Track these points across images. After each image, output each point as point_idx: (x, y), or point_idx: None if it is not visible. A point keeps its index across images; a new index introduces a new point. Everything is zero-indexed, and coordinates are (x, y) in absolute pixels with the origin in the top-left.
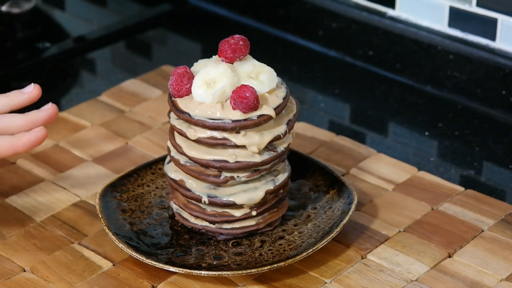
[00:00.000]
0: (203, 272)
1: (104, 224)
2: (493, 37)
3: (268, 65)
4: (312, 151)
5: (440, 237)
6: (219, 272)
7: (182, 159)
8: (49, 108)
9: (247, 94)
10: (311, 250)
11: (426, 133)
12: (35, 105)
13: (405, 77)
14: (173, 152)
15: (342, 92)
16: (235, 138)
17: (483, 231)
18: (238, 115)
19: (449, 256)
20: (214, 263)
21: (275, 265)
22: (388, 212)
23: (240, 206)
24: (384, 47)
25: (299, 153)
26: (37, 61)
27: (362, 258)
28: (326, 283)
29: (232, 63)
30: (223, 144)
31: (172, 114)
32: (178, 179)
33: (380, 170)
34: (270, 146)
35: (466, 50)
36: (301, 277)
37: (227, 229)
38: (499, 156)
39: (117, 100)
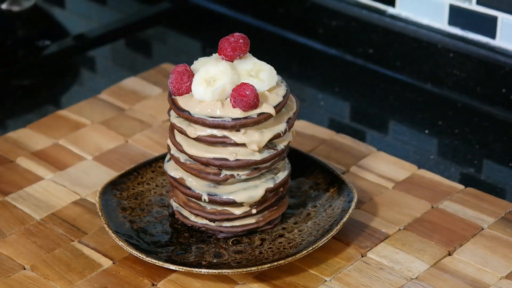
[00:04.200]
0: (203, 270)
1: (104, 222)
2: (493, 35)
3: (268, 63)
4: (312, 149)
5: (440, 235)
6: (219, 270)
7: (182, 157)
8: None
9: (247, 92)
10: (311, 248)
11: (426, 131)
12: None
13: (405, 75)
14: (173, 150)
15: (342, 90)
16: (235, 136)
17: (483, 229)
18: (238, 113)
19: (449, 254)
20: (214, 261)
21: (275, 263)
22: (388, 210)
23: (240, 204)
24: (384, 45)
25: (299, 151)
26: (37, 59)
27: (362, 256)
28: (326, 281)
29: (232, 61)
30: (223, 142)
31: (172, 112)
32: (178, 177)
33: (380, 168)
34: (270, 144)
35: (466, 48)
36: (301, 275)
37: (227, 227)
38: (499, 154)
39: (117, 98)
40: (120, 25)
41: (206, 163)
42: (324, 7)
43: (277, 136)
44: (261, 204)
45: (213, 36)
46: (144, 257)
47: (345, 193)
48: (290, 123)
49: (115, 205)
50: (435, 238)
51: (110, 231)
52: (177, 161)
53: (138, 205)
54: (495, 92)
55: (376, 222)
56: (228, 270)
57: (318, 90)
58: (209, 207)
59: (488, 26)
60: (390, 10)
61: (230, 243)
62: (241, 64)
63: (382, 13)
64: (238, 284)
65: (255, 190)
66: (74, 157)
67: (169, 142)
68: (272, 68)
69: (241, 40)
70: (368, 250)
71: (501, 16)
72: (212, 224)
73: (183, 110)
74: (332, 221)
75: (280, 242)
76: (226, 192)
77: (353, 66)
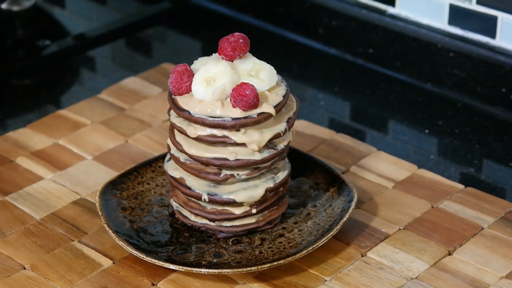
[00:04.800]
0: (203, 270)
1: (104, 222)
2: (493, 35)
3: (268, 63)
4: (312, 149)
5: (440, 235)
6: (219, 270)
7: (182, 157)
8: None
9: (247, 92)
10: (311, 248)
11: (426, 131)
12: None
13: (405, 75)
14: (173, 150)
15: (342, 90)
16: (235, 136)
17: (483, 228)
18: (238, 113)
19: (449, 254)
20: (214, 261)
21: (275, 263)
22: (388, 210)
23: (240, 204)
24: (384, 45)
25: (299, 151)
26: (37, 59)
27: (362, 256)
28: (326, 280)
29: (232, 61)
30: (223, 142)
31: (172, 112)
32: (178, 177)
33: (380, 168)
34: (270, 144)
35: (466, 48)
36: (301, 275)
37: (227, 227)
38: (499, 153)
39: (117, 98)
40: (120, 25)
41: (206, 163)
42: (324, 7)
43: (277, 136)
44: (261, 203)
45: (213, 36)
46: (144, 256)
47: (345, 193)
48: (290, 123)
49: (115, 205)
50: (435, 238)
51: (110, 231)
52: (177, 160)
53: (138, 205)
54: (495, 92)
55: (376, 222)
56: (228, 270)
57: (318, 89)
58: (209, 207)
59: (488, 26)
60: (390, 10)
61: (230, 243)
62: (241, 64)
63: (382, 13)
64: (238, 284)
65: (255, 189)
66: (74, 157)
67: (169, 142)
68: (272, 68)
69: (241, 40)
70: (368, 250)
71: (501, 16)
72: (212, 223)
73: (183, 110)
74: (332, 221)
75: (280, 242)
76: (226, 191)
77: (353, 66)
